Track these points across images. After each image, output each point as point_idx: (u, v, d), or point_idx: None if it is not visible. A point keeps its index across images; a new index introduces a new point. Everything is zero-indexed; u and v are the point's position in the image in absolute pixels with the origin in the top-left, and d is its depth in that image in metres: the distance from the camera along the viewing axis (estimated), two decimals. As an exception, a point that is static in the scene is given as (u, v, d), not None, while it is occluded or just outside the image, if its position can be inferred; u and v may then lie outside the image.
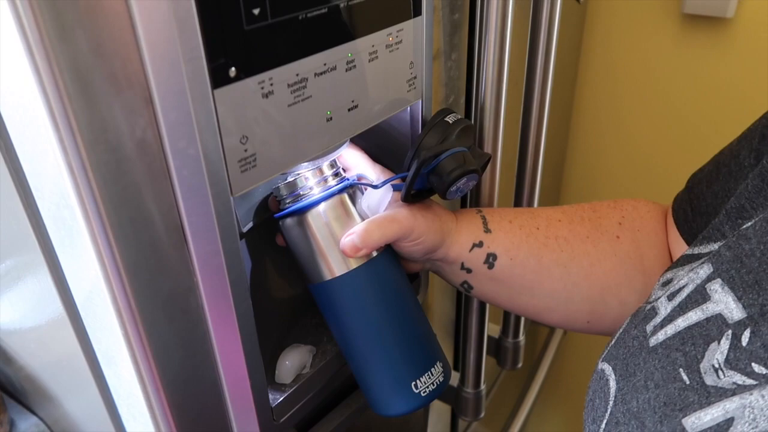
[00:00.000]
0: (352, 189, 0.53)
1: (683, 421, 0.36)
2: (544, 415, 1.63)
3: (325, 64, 0.44)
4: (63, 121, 0.32)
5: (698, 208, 0.54)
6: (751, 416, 0.33)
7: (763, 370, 0.35)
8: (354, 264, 0.51)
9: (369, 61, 0.48)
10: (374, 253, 0.53)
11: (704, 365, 0.37)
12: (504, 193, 0.78)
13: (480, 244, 0.56)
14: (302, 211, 0.51)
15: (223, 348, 0.45)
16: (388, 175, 0.56)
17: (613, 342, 0.46)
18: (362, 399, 0.63)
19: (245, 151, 0.40)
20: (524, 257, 0.57)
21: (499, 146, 0.69)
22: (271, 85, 0.40)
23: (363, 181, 0.54)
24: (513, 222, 0.58)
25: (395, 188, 0.54)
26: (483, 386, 0.88)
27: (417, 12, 0.51)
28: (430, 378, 0.53)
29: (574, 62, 1.21)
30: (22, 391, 0.61)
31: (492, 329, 0.99)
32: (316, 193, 0.51)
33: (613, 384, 0.42)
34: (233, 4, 0.36)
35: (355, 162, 0.57)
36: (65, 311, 0.43)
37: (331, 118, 0.46)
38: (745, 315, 0.37)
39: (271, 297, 0.62)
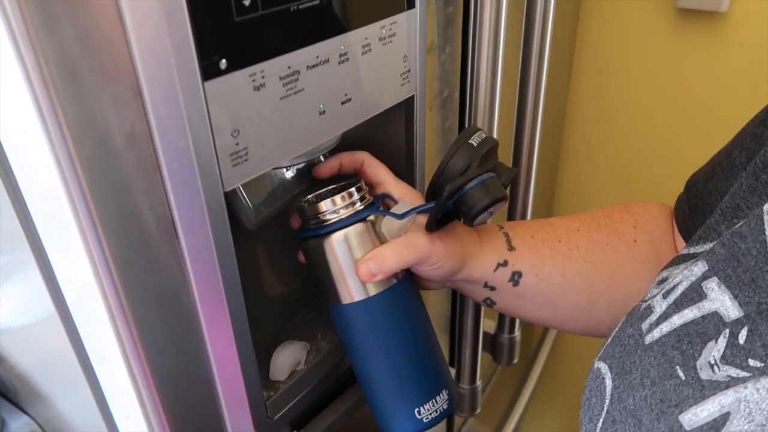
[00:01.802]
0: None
1: (680, 417, 0.36)
2: (540, 410, 1.63)
3: (317, 57, 0.43)
4: (50, 113, 0.31)
5: (695, 208, 0.54)
6: (747, 410, 0.33)
7: (758, 364, 0.34)
8: (372, 290, 0.52)
9: (362, 54, 0.47)
10: (393, 279, 0.52)
11: (700, 362, 0.37)
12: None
13: (505, 263, 0.56)
14: (326, 234, 0.51)
15: (215, 345, 0.45)
16: (411, 193, 0.55)
17: (609, 341, 0.46)
18: (357, 396, 0.63)
19: (237, 144, 0.40)
20: (549, 272, 0.57)
21: (494, 140, 0.69)
22: (263, 77, 0.40)
23: (387, 211, 0.52)
24: (535, 237, 0.58)
25: (421, 210, 0.53)
26: (479, 382, 0.88)
27: (410, 4, 0.51)
28: (433, 405, 0.54)
29: (568, 56, 1.21)
30: (13, 390, 0.60)
31: (487, 325, 0.99)
32: (342, 217, 0.51)
33: (609, 382, 0.42)
34: (223, -6, 0.36)
35: (379, 178, 0.56)
36: (55, 309, 0.43)
37: (324, 112, 0.46)
38: (742, 314, 0.37)
39: (264, 293, 0.61)
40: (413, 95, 0.55)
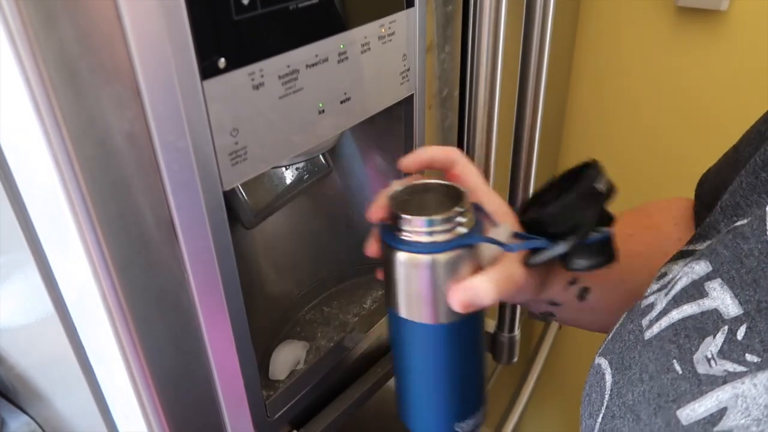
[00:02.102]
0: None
1: (677, 412, 0.36)
2: (540, 409, 1.63)
3: (316, 56, 0.43)
4: (48, 114, 0.31)
5: (707, 204, 0.54)
6: (744, 405, 0.33)
7: (755, 359, 0.35)
8: (454, 316, 0.47)
9: (361, 52, 0.47)
10: None
11: (697, 356, 0.38)
12: (498, 189, 0.77)
13: (574, 282, 0.55)
14: (421, 254, 0.45)
15: (215, 344, 0.45)
16: (504, 208, 0.51)
17: (609, 337, 0.46)
18: (357, 394, 0.63)
19: (236, 144, 0.40)
20: (614, 284, 0.56)
21: (493, 139, 0.69)
22: (262, 76, 0.40)
23: (496, 240, 0.47)
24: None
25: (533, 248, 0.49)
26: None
27: (410, 3, 0.51)
28: (471, 421, 0.53)
29: (568, 54, 1.21)
30: (12, 390, 0.60)
31: (487, 324, 0.99)
32: (444, 239, 0.45)
33: (609, 378, 0.42)
34: (222, -7, 0.36)
35: (472, 184, 0.50)
36: (55, 309, 0.43)
37: (323, 111, 0.46)
38: (742, 311, 0.37)
39: (264, 292, 0.61)
40: (413, 94, 0.55)
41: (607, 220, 0.50)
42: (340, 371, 0.61)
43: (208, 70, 0.36)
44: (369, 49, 0.48)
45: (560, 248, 0.47)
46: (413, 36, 0.52)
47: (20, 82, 0.30)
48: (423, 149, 0.51)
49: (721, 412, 0.34)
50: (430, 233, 0.45)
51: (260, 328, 0.55)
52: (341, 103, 0.47)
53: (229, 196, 0.48)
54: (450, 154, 0.51)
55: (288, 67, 0.41)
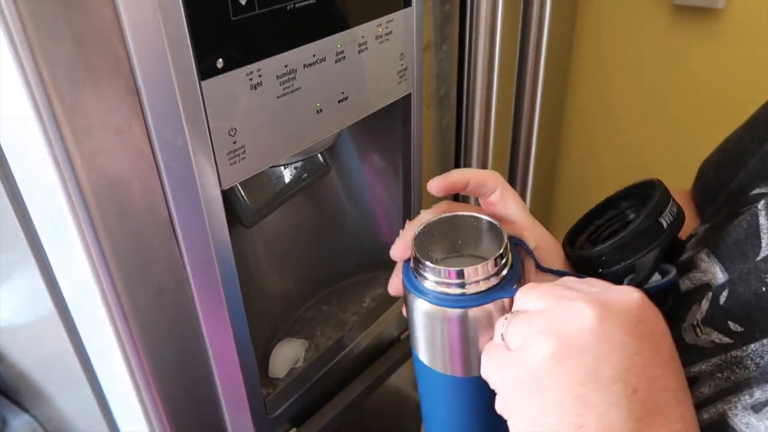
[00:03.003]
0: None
1: None
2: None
3: (314, 56, 0.43)
4: (48, 113, 0.32)
5: (708, 197, 0.54)
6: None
7: (738, 328, 0.35)
8: (467, 373, 0.42)
9: (359, 52, 0.48)
10: None
11: (685, 325, 0.39)
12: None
13: None
14: (448, 306, 0.39)
15: (214, 343, 0.45)
16: (550, 242, 0.45)
17: None
18: (356, 393, 0.63)
19: (234, 143, 0.40)
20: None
21: (491, 138, 0.69)
22: (260, 76, 0.40)
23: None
24: None
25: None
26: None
27: (407, 3, 0.51)
28: None
29: (565, 53, 1.21)
30: (14, 389, 0.61)
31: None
32: (480, 290, 0.39)
33: None
34: (220, -6, 0.36)
35: (513, 216, 0.44)
36: (55, 308, 0.43)
37: (321, 110, 0.46)
38: (727, 278, 0.38)
39: (263, 290, 0.62)
40: (410, 93, 0.55)
41: (672, 256, 0.45)
42: (339, 369, 0.61)
43: (206, 71, 0.36)
44: (366, 48, 0.48)
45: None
46: (410, 35, 0.53)
47: (19, 82, 0.31)
48: (458, 171, 0.44)
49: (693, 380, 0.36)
50: (461, 285, 0.39)
51: (259, 327, 0.55)
52: (339, 102, 0.47)
53: (229, 195, 0.49)
54: (488, 177, 0.44)
55: (286, 67, 0.42)
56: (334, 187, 0.65)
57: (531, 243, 0.43)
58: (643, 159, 1.25)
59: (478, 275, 0.38)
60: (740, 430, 0.33)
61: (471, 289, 0.38)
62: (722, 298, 0.37)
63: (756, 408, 0.32)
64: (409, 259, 0.42)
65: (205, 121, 0.37)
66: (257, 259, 0.61)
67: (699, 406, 0.35)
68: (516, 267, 0.40)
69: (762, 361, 0.34)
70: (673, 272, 0.41)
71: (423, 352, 0.43)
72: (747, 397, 0.33)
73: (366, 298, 0.67)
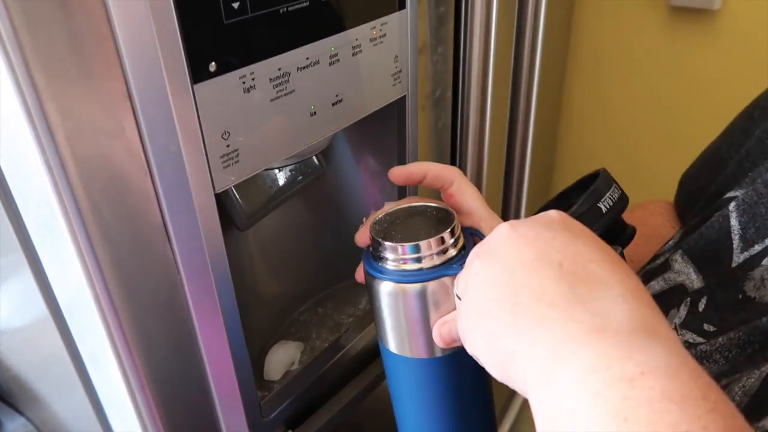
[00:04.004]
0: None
1: None
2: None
3: (307, 59, 0.43)
4: (39, 117, 0.31)
5: (689, 204, 0.55)
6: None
7: (712, 328, 0.37)
8: (438, 351, 0.43)
9: (353, 54, 0.48)
10: None
11: None
12: (492, 190, 0.78)
13: None
14: (404, 283, 0.42)
15: (209, 346, 0.45)
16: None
17: None
18: (351, 395, 0.63)
19: (227, 146, 0.40)
20: None
21: (486, 140, 0.69)
22: (253, 79, 0.40)
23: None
24: None
25: None
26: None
27: (401, 5, 0.51)
28: None
29: (561, 55, 1.21)
30: (9, 392, 0.61)
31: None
32: (428, 265, 0.41)
33: None
34: (212, -3, 0.36)
35: (470, 206, 0.47)
36: (49, 312, 0.43)
37: (314, 113, 0.46)
38: (704, 284, 0.39)
39: (258, 293, 0.61)
40: (405, 95, 0.55)
41: (624, 234, 0.47)
42: (334, 372, 0.61)
43: (198, 74, 0.36)
44: (360, 51, 0.48)
45: None
46: (405, 37, 0.53)
47: (11, 86, 0.31)
48: (418, 163, 0.48)
49: None
50: (417, 260, 0.41)
51: (255, 329, 0.55)
52: (333, 105, 0.47)
53: (223, 198, 0.49)
54: (445, 171, 0.47)
55: (279, 70, 0.41)
56: (329, 190, 0.65)
57: (487, 232, 0.44)
58: (640, 159, 1.25)
59: (432, 249, 0.41)
60: None
61: (427, 263, 0.41)
62: (701, 305, 0.38)
63: None
64: (369, 246, 0.44)
65: (198, 124, 0.37)
66: (252, 261, 0.61)
67: None
68: (468, 249, 0.42)
69: (730, 355, 0.34)
70: (619, 251, 0.43)
71: (389, 338, 0.44)
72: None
73: (362, 301, 0.67)
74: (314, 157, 0.58)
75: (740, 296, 0.36)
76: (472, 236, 0.44)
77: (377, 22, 0.49)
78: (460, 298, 0.37)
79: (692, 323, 0.38)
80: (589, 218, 0.44)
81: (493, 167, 0.73)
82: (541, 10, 0.72)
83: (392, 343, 0.44)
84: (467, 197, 0.47)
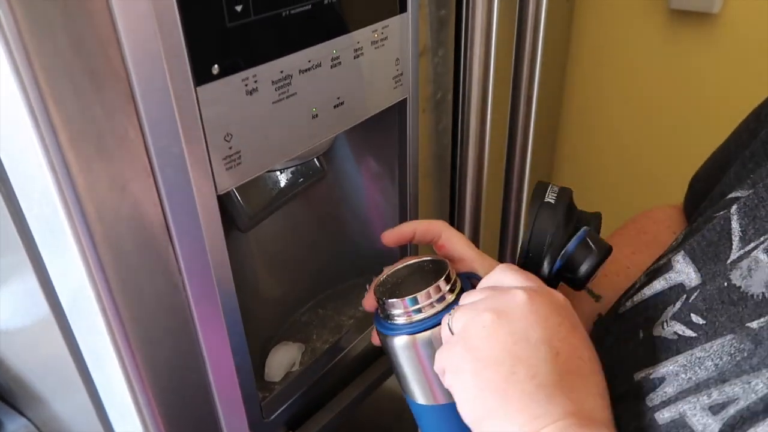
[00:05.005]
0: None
1: (634, 375, 0.39)
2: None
3: (309, 61, 0.44)
4: (44, 119, 0.32)
5: (695, 205, 0.56)
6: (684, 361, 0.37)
7: (700, 321, 0.38)
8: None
9: (354, 57, 0.48)
10: None
11: (657, 323, 0.41)
12: (492, 193, 0.78)
13: (599, 316, 0.54)
14: (410, 334, 0.44)
15: (210, 347, 0.45)
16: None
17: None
18: (352, 396, 0.63)
19: (230, 148, 0.40)
20: None
21: (487, 142, 0.69)
22: (255, 82, 0.40)
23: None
24: (609, 275, 0.56)
25: None
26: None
27: (402, 8, 0.51)
28: None
29: (562, 58, 1.21)
30: (10, 393, 0.61)
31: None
32: (429, 314, 0.44)
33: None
34: (215, 0, 0.36)
35: (460, 253, 0.50)
36: (51, 312, 0.43)
37: (316, 115, 0.46)
38: (701, 282, 0.40)
39: (259, 294, 0.62)
40: (406, 98, 0.56)
41: (588, 223, 0.50)
42: (335, 373, 0.61)
43: (201, 76, 0.37)
44: (362, 54, 0.48)
45: (545, 271, 0.46)
46: (406, 40, 0.53)
47: (16, 88, 0.31)
48: (406, 223, 0.51)
49: (663, 379, 0.38)
50: (418, 310, 0.44)
51: (256, 330, 0.56)
52: (335, 107, 0.48)
53: (225, 200, 0.49)
54: (431, 226, 0.51)
55: (281, 72, 0.42)
56: (331, 191, 0.65)
57: (481, 273, 0.48)
58: (640, 163, 1.25)
59: (431, 297, 0.44)
60: (697, 431, 0.34)
61: (430, 311, 0.44)
62: (692, 298, 0.40)
63: (714, 410, 0.34)
64: (377, 309, 0.47)
65: (201, 126, 0.38)
66: (253, 263, 0.61)
67: (662, 405, 0.37)
68: (467, 290, 0.44)
69: (720, 362, 0.35)
70: (582, 229, 0.46)
71: (412, 389, 0.46)
72: (705, 397, 0.35)
73: (362, 302, 0.67)
74: (315, 159, 0.58)
75: (726, 284, 0.37)
76: (470, 279, 0.47)
77: (379, 25, 0.49)
78: (453, 333, 0.39)
79: (680, 314, 0.39)
80: (548, 214, 0.47)
81: (494, 169, 0.73)
82: (542, 13, 0.72)
83: (415, 393, 0.46)
84: (456, 245, 0.50)
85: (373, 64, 0.50)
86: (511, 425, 0.34)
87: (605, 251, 0.47)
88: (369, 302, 0.49)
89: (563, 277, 0.47)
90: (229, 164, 0.40)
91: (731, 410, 0.33)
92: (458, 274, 0.46)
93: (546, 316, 0.36)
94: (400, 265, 0.48)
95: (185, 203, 0.39)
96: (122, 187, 0.36)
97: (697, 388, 0.35)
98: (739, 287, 0.37)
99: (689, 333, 0.38)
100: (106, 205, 0.36)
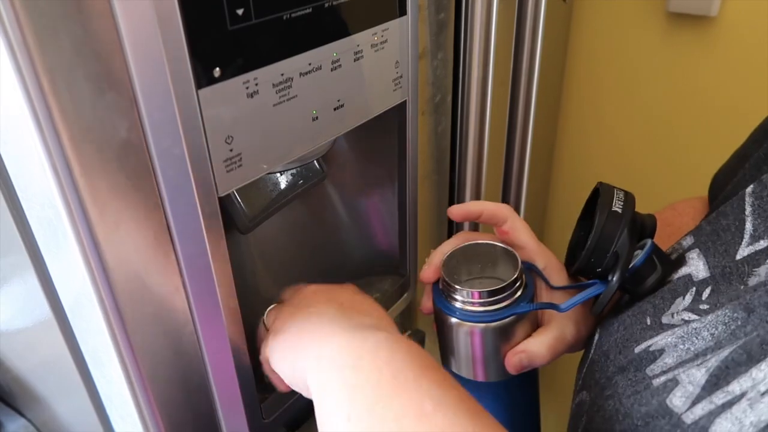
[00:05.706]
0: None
1: (635, 348, 0.41)
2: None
3: (310, 64, 0.44)
4: (46, 121, 0.32)
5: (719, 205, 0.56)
6: (681, 333, 0.38)
7: (705, 306, 0.39)
8: (503, 375, 0.49)
9: (354, 60, 0.48)
10: None
11: (667, 313, 0.42)
12: (491, 194, 0.78)
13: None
14: (475, 322, 0.47)
15: (211, 347, 0.45)
16: (555, 263, 0.51)
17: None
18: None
19: (230, 150, 0.40)
20: None
21: (485, 145, 0.69)
22: (256, 85, 0.40)
23: (550, 304, 0.48)
24: None
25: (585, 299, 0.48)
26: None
27: (402, 11, 0.51)
28: None
29: (560, 61, 1.22)
30: (10, 393, 0.61)
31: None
32: (499, 307, 0.47)
33: (596, 337, 0.47)
34: (217, 4, 0.36)
35: (522, 241, 0.51)
36: (52, 313, 0.43)
37: (316, 118, 0.46)
38: (709, 275, 0.41)
39: (259, 295, 0.62)
40: (405, 100, 0.56)
41: (647, 229, 0.49)
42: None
43: (203, 79, 0.37)
44: (362, 56, 0.49)
45: (613, 285, 0.46)
46: (406, 43, 0.53)
47: (19, 90, 0.31)
48: (475, 202, 0.53)
49: (661, 351, 0.39)
50: (483, 304, 0.47)
51: (256, 332, 0.56)
52: (335, 110, 0.48)
53: (225, 202, 0.49)
54: (499, 209, 0.52)
55: (282, 75, 0.42)
56: (330, 193, 0.65)
57: (540, 265, 0.50)
58: (638, 165, 1.26)
59: (498, 295, 0.46)
60: (684, 384, 0.35)
61: (492, 307, 0.46)
62: (705, 294, 0.40)
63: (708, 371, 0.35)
64: (437, 282, 0.50)
65: (202, 129, 0.38)
66: (254, 264, 0.62)
67: (662, 374, 0.37)
68: (529, 287, 0.48)
69: (716, 331, 0.36)
70: (648, 242, 0.46)
71: (452, 360, 0.50)
72: (703, 366, 0.35)
73: (361, 303, 0.67)
74: (315, 161, 0.58)
75: (741, 287, 0.38)
76: (530, 270, 0.50)
77: (378, 28, 0.49)
78: (267, 329, 0.48)
79: (693, 308, 0.40)
80: (613, 224, 0.47)
81: (493, 171, 0.73)
82: (540, 16, 0.73)
83: (453, 364, 0.50)
84: (520, 234, 0.51)
85: (373, 67, 0.50)
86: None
87: (669, 266, 0.46)
88: (428, 275, 0.51)
89: (624, 287, 0.47)
90: (230, 166, 0.41)
91: (714, 361, 0.34)
92: (523, 267, 0.49)
93: (327, 290, 0.49)
94: (462, 241, 0.50)
95: (186, 205, 0.39)
96: (123, 188, 0.36)
97: (696, 357, 0.36)
98: (746, 279, 0.38)
99: (694, 317, 0.39)
100: (108, 206, 0.36)
